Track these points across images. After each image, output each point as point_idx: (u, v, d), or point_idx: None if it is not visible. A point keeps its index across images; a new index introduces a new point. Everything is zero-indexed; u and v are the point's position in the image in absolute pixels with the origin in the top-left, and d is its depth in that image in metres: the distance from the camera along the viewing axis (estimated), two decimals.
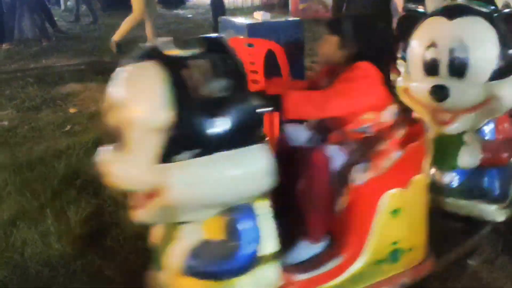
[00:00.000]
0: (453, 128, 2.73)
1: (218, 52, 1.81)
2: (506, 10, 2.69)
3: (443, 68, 2.65)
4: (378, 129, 2.29)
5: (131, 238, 2.91)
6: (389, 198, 2.18)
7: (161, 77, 1.65)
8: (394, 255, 2.26)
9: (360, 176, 2.15)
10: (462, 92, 2.61)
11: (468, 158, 2.77)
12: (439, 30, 2.70)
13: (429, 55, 2.70)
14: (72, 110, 5.24)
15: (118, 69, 1.79)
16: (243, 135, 1.76)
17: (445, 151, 2.76)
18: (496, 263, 2.69)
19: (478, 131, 2.79)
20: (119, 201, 3.30)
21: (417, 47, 2.79)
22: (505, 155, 2.77)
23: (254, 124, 1.80)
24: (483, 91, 2.61)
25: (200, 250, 1.86)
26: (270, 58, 3.76)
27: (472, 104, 2.65)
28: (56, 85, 6.21)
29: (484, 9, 2.68)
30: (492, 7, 2.73)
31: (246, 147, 1.76)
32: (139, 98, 1.69)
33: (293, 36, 4.57)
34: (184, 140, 1.67)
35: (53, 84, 6.26)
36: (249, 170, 1.76)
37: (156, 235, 2.10)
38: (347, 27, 2.34)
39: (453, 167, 2.81)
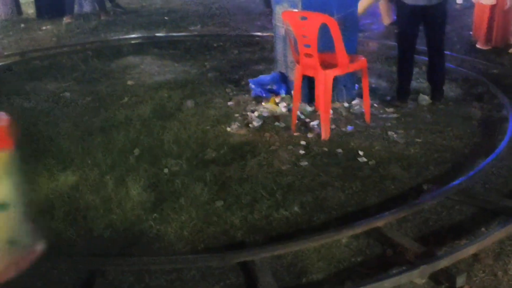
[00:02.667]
0: None
1: None
2: None
3: None
4: None
5: (187, 207, 2.99)
6: None
7: None
8: None
9: None
10: None
11: None
12: None
13: None
14: (129, 83, 5.37)
15: None
16: None
17: None
18: None
19: None
20: (175, 170, 3.42)
21: None
22: None
23: None
24: None
25: None
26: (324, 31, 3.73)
27: None
28: (115, 58, 6.37)
29: None
30: None
31: None
32: None
33: (348, 9, 4.49)
34: None
35: (111, 57, 6.42)
36: None
37: None
38: None
39: None
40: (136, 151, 3.72)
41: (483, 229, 2.76)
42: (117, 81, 5.50)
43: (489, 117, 4.27)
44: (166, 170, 3.44)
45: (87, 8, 9.55)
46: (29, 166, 3.50)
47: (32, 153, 3.69)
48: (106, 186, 3.23)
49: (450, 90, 4.86)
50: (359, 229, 2.73)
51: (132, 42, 7.22)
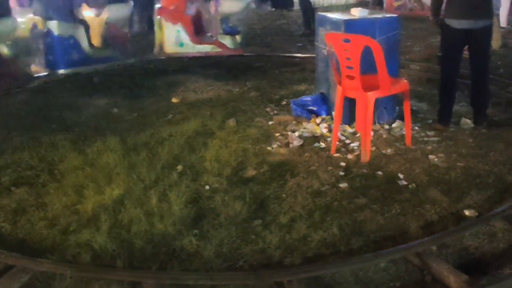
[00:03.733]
0: None
1: None
2: None
3: None
4: None
5: (226, 224, 3.01)
6: None
7: None
8: None
9: None
10: None
11: None
12: None
13: None
14: (174, 100, 5.48)
15: None
16: None
17: None
18: None
19: None
20: (215, 187, 3.45)
21: None
22: None
23: None
24: None
25: None
26: (366, 54, 3.72)
27: None
28: (161, 75, 6.52)
29: None
30: None
31: None
32: None
33: (390, 32, 4.47)
34: None
35: (158, 74, 6.57)
36: None
37: None
38: None
39: None
40: (179, 167, 3.78)
41: None
42: (162, 97, 5.62)
43: None
44: (207, 187, 3.47)
45: (136, 27, 9.84)
46: (77, 179, 3.61)
47: (80, 167, 3.80)
48: (149, 201, 3.29)
49: (493, 114, 4.74)
50: (397, 254, 2.68)
51: (178, 61, 7.37)
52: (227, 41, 7.84)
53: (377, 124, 4.45)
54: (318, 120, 4.61)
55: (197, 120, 4.72)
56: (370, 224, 3.00)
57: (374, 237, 2.89)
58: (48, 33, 6.90)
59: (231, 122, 4.67)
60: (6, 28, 6.56)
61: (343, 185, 3.47)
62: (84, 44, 7.20)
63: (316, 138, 4.29)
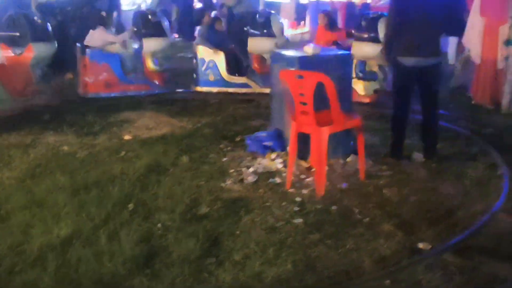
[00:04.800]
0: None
1: None
2: None
3: None
4: None
5: (178, 263, 2.99)
6: None
7: None
8: None
9: None
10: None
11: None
12: None
13: None
14: (126, 137, 5.45)
15: None
16: None
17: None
18: None
19: None
20: (168, 225, 3.43)
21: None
22: None
23: None
24: None
25: None
26: (320, 89, 3.84)
27: None
28: (113, 113, 6.48)
29: None
30: None
31: None
32: None
33: (343, 69, 4.65)
34: None
35: (110, 112, 6.54)
36: None
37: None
38: None
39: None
40: (131, 206, 3.74)
41: None
42: (115, 135, 5.58)
43: (482, 176, 4.31)
44: (159, 225, 3.45)
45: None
46: (24, 218, 3.52)
47: (28, 206, 3.71)
48: (99, 240, 3.23)
49: (443, 148, 4.94)
50: None
51: (131, 98, 7.35)
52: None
53: (331, 159, 4.55)
54: (273, 155, 4.68)
55: (150, 157, 4.70)
56: (324, 259, 3.04)
57: (328, 273, 2.92)
58: None
59: (185, 159, 4.68)
60: None
61: (297, 220, 3.51)
62: None
63: (271, 173, 4.35)
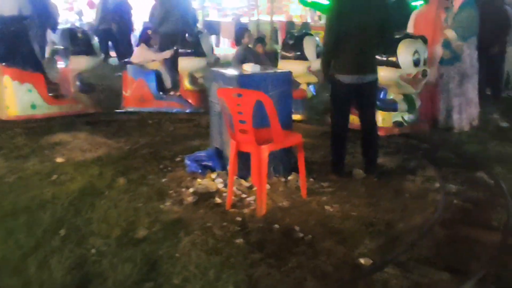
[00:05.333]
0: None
1: None
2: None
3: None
4: None
5: None
6: None
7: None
8: None
9: None
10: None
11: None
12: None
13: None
14: (59, 160, 5.27)
15: (411, 40, 5.82)
16: None
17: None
18: None
19: None
20: (103, 250, 3.32)
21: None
22: None
23: None
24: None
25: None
26: (259, 108, 3.87)
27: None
28: (45, 135, 6.26)
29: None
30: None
31: None
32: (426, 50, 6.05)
33: (282, 87, 4.70)
34: None
35: (41, 134, 6.31)
36: None
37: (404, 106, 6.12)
38: None
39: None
40: (62, 231, 3.60)
41: None
42: (46, 158, 5.38)
43: (421, 189, 4.46)
44: (93, 250, 3.33)
45: None
46: None
47: None
48: (27, 269, 3.08)
49: (383, 163, 5.08)
50: None
51: (65, 119, 7.13)
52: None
53: (273, 177, 4.57)
54: (213, 175, 4.65)
55: (84, 180, 4.56)
56: (267, 279, 3.03)
57: None
58: None
59: (121, 180, 4.57)
60: None
61: (238, 240, 3.49)
62: None
63: (211, 193, 4.32)
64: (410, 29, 6.84)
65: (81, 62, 7.64)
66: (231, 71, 4.83)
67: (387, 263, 3.19)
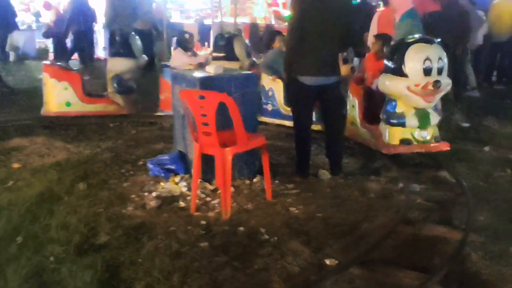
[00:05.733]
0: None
1: None
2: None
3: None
4: None
5: None
6: None
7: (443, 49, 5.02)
8: None
9: None
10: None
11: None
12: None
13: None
14: (15, 166, 5.13)
15: (422, 46, 4.98)
16: None
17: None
18: None
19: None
20: (62, 257, 3.25)
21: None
22: None
23: None
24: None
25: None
26: (223, 110, 3.86)
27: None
28: (0, 140, 6.10)
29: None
30: None
31: None
32: (444, 56, 5.07)
33: (246, 88, 4.70)
34: None
35: None
36: None
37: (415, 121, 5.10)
38: None
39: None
40: (19, 239, 3.51)
41: None
42: (2, 164, 5.24)
43: (385, 189, 4.53)
44: (52, 258, 3.25)
45: None
46: None
47: None
48: None
49: (348, 164, 5.14)
50: None
51: (22, 123, 6.95)
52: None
53: (237, 179, 4.57)
54: (177, 179, 4.62)
55: (42, 186, 4.45)
56: (232, 282, 3.02)
57: None
58: None
59: (82, 185, 4.48)
60: None
61: (203, 244, 3.47)
62: None
63: (175, 197, 4.28)
64: (373, 29, 6.95)
65: (119, 64, 7.54)
66: (194, 73, 4.81)
67: (352, 263, 3.22)
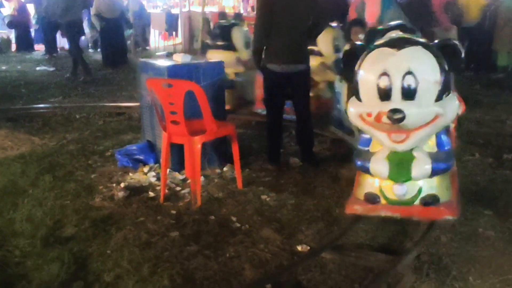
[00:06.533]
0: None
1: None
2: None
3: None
4: None
5: None
6: None
7: (430, 55, 3.03)
8: None
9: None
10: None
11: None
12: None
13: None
14: None
15: (385, 52, 3.10)
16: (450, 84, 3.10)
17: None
18: None
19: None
20: (27, 251, 3.18)
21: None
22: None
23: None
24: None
25: (434, 159, 3.14)
26: (191, 98, 3.82)
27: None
28: None
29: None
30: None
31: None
32: (425, 67, 3.02)
33: (214, 77, 4.67)
34: (445, 87, 3.04)
35: None
36: (457, 103, 3.16)
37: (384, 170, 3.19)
38: None
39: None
40: None
41: (356, 285, 2.88)
42: None
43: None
44: (16, 252, 3.18)
45: None
46: None
47: None
48: None
49: (319, 151, 5.16)
50: None
51: None
52: None
53: (207, 169, 4.54)
54: (145, 169, 4.57)
55: (5, 179, 4.35)
56: (203, 270, 3.00)
57: (207, 284, 2.88)
58: None
59: (47, 178, 4.39)
60: None
61: (173, 233, 3.44)
62: None
63: (144, 187, 4.24)
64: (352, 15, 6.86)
65: (218, 58, 7.22)
66: (161, 62, 4.74)
67: (323, 248, 3.23)
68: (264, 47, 4.65)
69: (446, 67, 3.03)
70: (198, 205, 3.86)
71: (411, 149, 3.15)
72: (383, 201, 3.28)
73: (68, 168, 4.70)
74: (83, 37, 11.95)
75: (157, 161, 4.63)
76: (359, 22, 6.43)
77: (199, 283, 2.88)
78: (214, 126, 4.02)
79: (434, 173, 3.15)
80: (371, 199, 3.32)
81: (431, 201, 3.20)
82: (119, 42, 11.77)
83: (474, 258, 3.13)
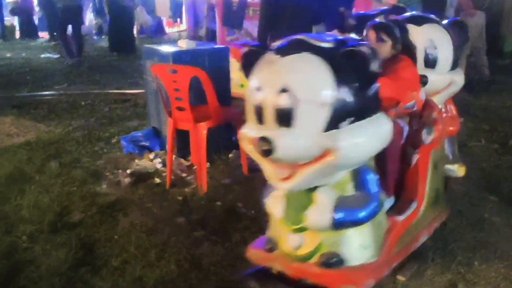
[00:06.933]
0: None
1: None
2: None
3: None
4: (420, 105, 2.76)
5: (48, 276, 2.80)
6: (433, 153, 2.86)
7: (323, 65, 2.05)
8: (437, 199, 2.97)
9: (427, 138, 2.75)
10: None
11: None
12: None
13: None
14: None
15: (269, 58, 2.17)
16: (375, 105, 2.22)
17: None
18: (424, 276, 2.80)
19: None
20: (35, 236, 3.21)
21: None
22: None
23: (377, 97, 2.23)
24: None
25: (341, 205, 2.21)
26: (196, 84, 3.81)
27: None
28: None
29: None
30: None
31: (376, 115, 2.21)
32: (308, 82, 2.06)
33: (219, 63, 4.66)
34: (344, 111, 2.06)
35: None
36: (381, 131, 2.20)
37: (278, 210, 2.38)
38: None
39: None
40: None
41: None
42: None
43: None
44: (24, 237, 3.21)
45: None
46: None
47: None
48: None
49: None
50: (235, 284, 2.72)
51: None
52: None
53: (213, 155, 4.54)
54: (151, 155, 4.58)
55: (11, 166, 4.36)
56: (210, 256, 3.02)
57: (214, 269, 2.90)
58: None
59: (53, 164, 4.41)
60: None
61: (180, 219, 3.46)
62: None
63: (150, 174, 4.25)
64: None
65: None
66: (166, 48, 4.73)
67: None
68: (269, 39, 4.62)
69: (350, 81, 2.08)
70: (204, 191, 3.88)
71: (314, 189, 2.24)
72: (278, 251, 2.45)
73: (74, 155, 4.71)
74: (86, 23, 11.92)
75: (162, 147, 4.64)
76: None
77: (205, 269, 2.90)
78: (220, 112, 4.02)
79: (337, 224, 2.22)
80: (269, 245, 2.50)
81: (332, 261, 2.29)
82: (128, 29, 11.78)
83: (480, 244, 3.13)
